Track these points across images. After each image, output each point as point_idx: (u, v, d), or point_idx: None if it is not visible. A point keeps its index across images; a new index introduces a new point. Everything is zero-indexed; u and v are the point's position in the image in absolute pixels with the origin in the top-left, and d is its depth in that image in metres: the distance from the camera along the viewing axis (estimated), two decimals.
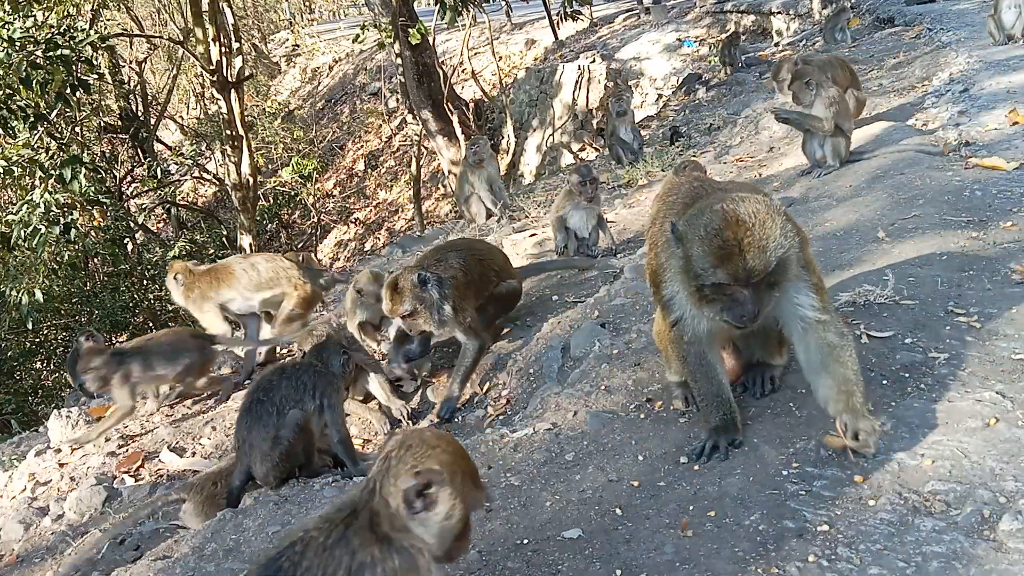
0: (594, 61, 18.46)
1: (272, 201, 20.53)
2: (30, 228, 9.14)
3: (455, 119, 15.37)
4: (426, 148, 18.13)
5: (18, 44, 8.88)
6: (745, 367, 3.36)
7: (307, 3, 41.77)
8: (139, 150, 19.54)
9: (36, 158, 10.20)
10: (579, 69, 18.20)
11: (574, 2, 13.77)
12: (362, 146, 24.93)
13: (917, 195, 5.15)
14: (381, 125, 24.21)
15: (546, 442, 3.40)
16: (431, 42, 15.63)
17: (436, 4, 12.22)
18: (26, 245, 9.65)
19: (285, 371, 4.03)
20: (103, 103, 18.47)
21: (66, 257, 11.12)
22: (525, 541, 2.74)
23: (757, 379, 3.29)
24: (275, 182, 20.47)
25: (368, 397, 5.24)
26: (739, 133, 9.86)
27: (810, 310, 2.81)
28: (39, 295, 10.40)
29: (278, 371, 4.06)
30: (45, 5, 9.94)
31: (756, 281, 2.59)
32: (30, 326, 11.89)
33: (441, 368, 5.46)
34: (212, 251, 17.64)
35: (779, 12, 17.67)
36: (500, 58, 20.67)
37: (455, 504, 2.00)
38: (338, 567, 1.91)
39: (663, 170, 9.02)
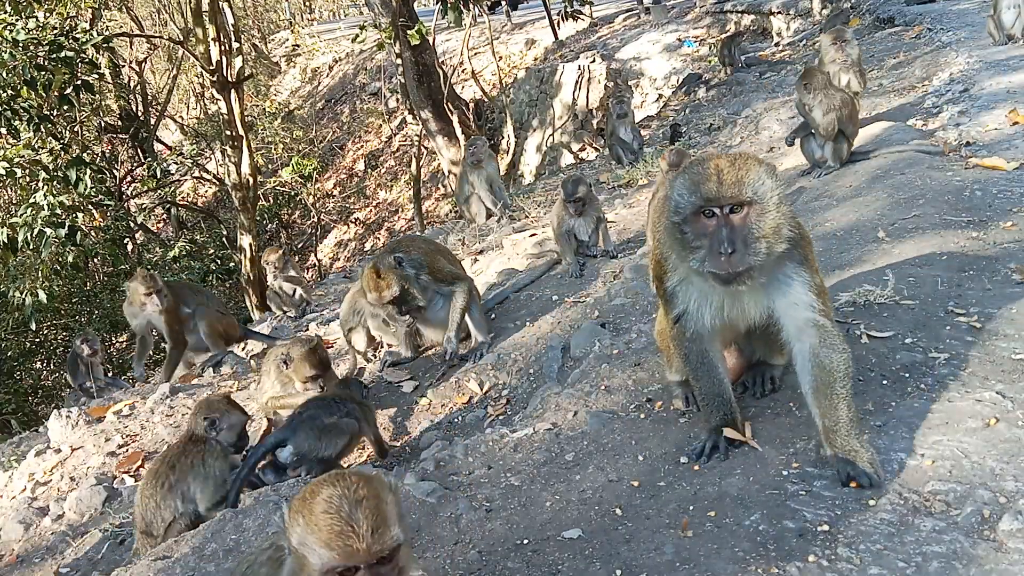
0: (594, 61, 18.47)
1: (272, 201, 20.54)
2: (34, 231, 9.14)
3: (455, 119, 15.37)
4: (426, 148, 18.13)
5: (21, 45, 8.89)
6: (746, 366, 3.37)
7: (307, 3, 41.78)
8: (139, 150, 19.55)
9: (38, 159, 10.21)
10: (579, 69, 18.20)
11: (574, 2, 13.77)
12: (362, 146, 24.94)
13: (917, 195, 5.15)
14: (381, 125, 24.21)
15: (546, 442, 3.40)
16: (431, 42, 15.63)
17: (437, 3, 12.22)
18: (30, 248, 9.65)
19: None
20: (103, 103, 18.47)
21: (70, 259, 11.11)
22: (525, 541, 2.74)
23: (757, 379, 3.30)
24: (275, 182, 20.48)
25: None
26: (739, 133, 9.86)
27: (806, 309, 2.77)
28: (43, 296, 10.40)
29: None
30: (47, 7, 9.94)
31: (735, 218, 2.59)
32: (33, 327, 11.91)
33: (441, 368, 5.46)
34: (212, 251, 17.66)
35: (779, 12, 17.68)
36: (500, 58, 20.68)
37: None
38: None
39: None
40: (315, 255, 20.78)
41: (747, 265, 2.62)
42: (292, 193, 20.85)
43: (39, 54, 8.99)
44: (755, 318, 2.90)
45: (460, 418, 4.83)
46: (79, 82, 9.80)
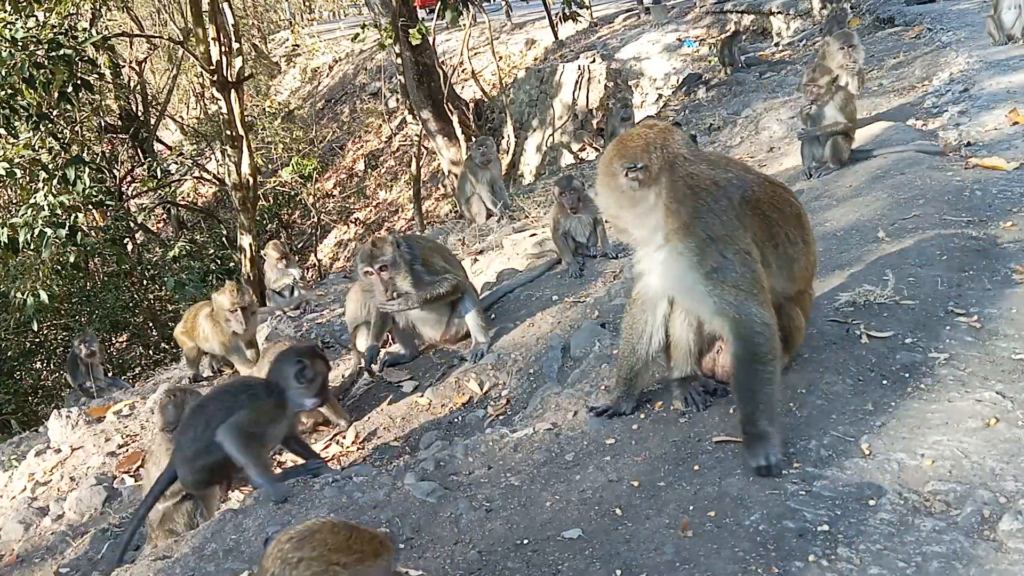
0: (594, 61, 18.47)
1: (272, 201, 20.53)
2: (35, 231, 9.14)
3: (455, 119, 15.37)
4: (426, 148, 18.13)
5: (20, 44, 8.88)
6: None
7: (307, 3, 41.78)
8: (139, 150, 19.54)
9: (38, 159, 10.21)
10: (579, 69, 18.20)
11: (572, 4, 13.78)
12: (362, 146, 24.94)
13: (917, 195, 5.15)
14: (381, 125, 24.22)
15: (546, 442, 3.40)
16: (431, 42, 15.63)
17: (438, 3, 12.23)
18: (31, 248, 9.65)
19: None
20: (103, 103, 18.47)
21: (72, 259, 11.12)
22: (525, 541, 2.74)
23: None
24: (275, 182, 20.47)
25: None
26: (739, 133, 9.86)
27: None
28: (44, 296, 10.41)
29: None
30: (46, 6, 9.94)
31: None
32: (35, 327, 11.91)
33: (439, 367, 5.46)
34: (212, 251, 17.65)
35: (779, 12, 17.68)
36: (500, 58, 20.67)
37: None
38: None
39: None
40: (315, 255, 20.78)
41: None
42: (292, 193, 20.84)
43: (38, 53, 8.98)
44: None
45: (460, 418, 4.83)
46: (78, 81, 9.79)
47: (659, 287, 3.16)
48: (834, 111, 6.51)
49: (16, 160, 9.85)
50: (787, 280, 3.15)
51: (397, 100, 21.98)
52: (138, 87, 21.36)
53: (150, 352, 15.03)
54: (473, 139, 11.39)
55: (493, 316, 5.92)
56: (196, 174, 21.17)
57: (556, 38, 22.04)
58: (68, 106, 10.57)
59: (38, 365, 14.51)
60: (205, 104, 26.11)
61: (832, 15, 13.26)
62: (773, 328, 2.91)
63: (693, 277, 2.93)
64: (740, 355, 2.91)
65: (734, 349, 2.93)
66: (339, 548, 1.88)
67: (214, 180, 20.48)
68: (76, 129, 15.70)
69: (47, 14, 9.96)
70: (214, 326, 6.12)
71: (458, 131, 15.34)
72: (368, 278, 5.16)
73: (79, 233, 9.71)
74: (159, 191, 19.10)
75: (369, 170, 23.68)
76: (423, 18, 17.12)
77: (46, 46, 9.04)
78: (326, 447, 4.88)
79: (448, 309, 5.50)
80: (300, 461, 3.97)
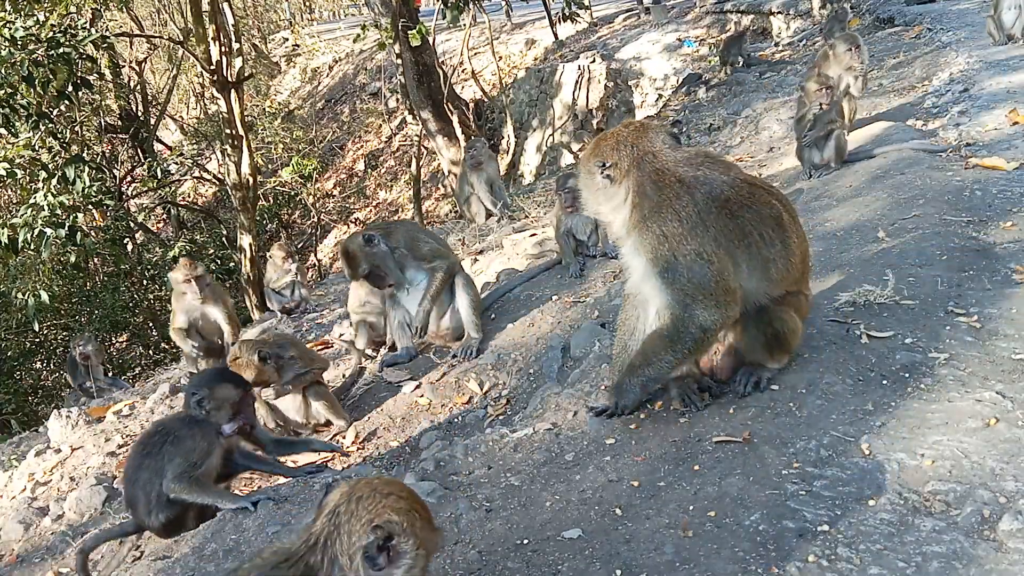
0: (594, 61, 18.46)
1: (272, 201, 20.52)
2: (35, 231, 9.13)
3: (455, 119, 15.37)
4: (426, 148, 18.13)
5: (20, 43, 8.87)
6: (737, 366, 3.36)
7: (307, 3, 41.77)
8: (139, 150, 19.52)
9: (38, 158, 10.20)
10: (579, 69, 18.19)
11: (572, 4, 13.77)
12: (362, 146, 24.93)
13: (917, 195, 5.15)
14: (381, 125, 24.21)
15: (546, 442, 3.40)
16: (431, 42, 15.63)
17: (439, 2, 12.22)
18: (31, 248, 9.64)
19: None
20: (103, 103, 18.45)
21: (72, 259, 11.12)
22: (525, 541, 2.74)
23: (743, 378, 3.30)
24: (275, 182, 20.46)
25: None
26: (739, 133, 9.86)
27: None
28: (44, 296, 10.41)
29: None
30: (46, 5, 9.93)
31: None
32: (36, 327, 11.91)
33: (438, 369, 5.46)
34: (212, 251, 17.65)
35: (779, 12, 17.68)
36: (500, 58, 20.66)
37: (418, 553, 1.91)
38: None
39: None
40: (315, 255, 20.77)
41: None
42: (292, 193, 20.83)
43: (38, 51, 8.97)
44: None
45: (460, 418, 4.83)
46: (78, 80, 9.78)
47: (634, 282, 3.27)
48: (838, 111, 6.53)
49: (16, 160, 9.83)
50: (762, 280, 3.14)
51: (397, 100, 21.98)
52: (138, 87, 21.34)
53: (150, 352, 15.02)
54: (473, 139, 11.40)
55: (493, 316, 5.92)
56: (196, 174, 21.16)
57: (556, 38, 22.03)
58: (68, 103, 10.57)
59: (38, 365, 14.50)
60: (205, 104, 26.09)
61: (832, 15, 13.26)
62: (710, 334, 3.09)
63: (648, 271, 3.08)
64: (664, 332, 3.12)
65: (663, 323, 3.12)
66: (420, 503, 2.04)
67: (214, 180, 20.47)
68: (76, 129, 15.69)
69: (47, 13, 9.95)
70: (176, 302, 6.68)
71: (458, 131, 15.34)
72: (361, 287, 5.18)
73: (79, 233, 9.69)
74: (159, 191, 19.09)
75: (369, 170, 23.67)
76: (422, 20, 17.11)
77: (45, 45, 9.03)
78: None
79: (447, 297, 5.49)
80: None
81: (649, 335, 3.23)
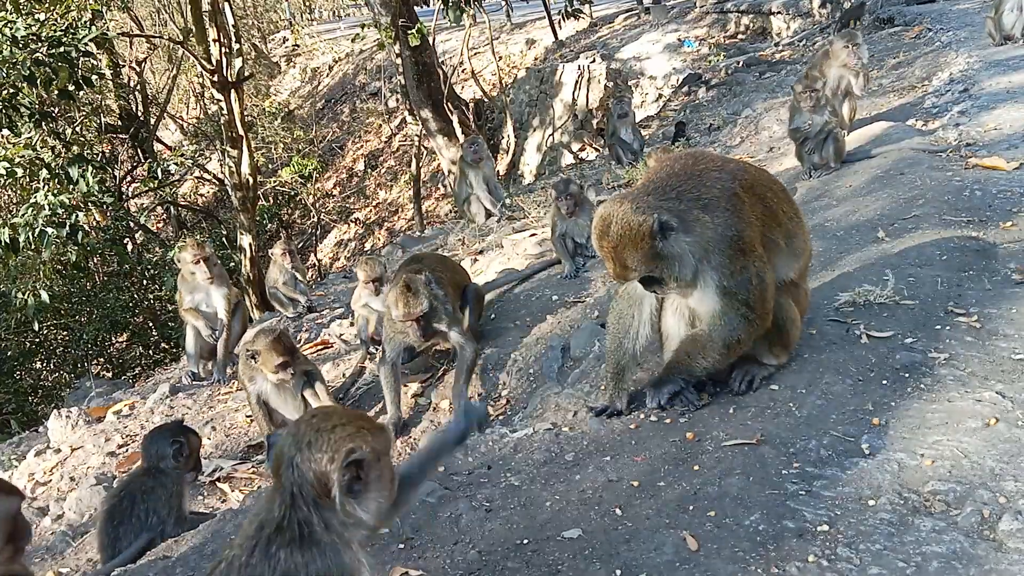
0: (594, 61, 18.44)
1: (272, 201, 20.52)
2: (35, 231, 9.12)
3: (455, 119, 15.37)
4: (426, 148, 18.13)
5: (21, 42, 8.87)
6: (735, 364, 3.36)
7: (307, 3, 41.75)
8: (139, 150, 19.50)
9: (39, 158, 10.19)
10: (579, 69, 18.17)
11: (574, 1, 13.77)
12: (362, 146, 24.93)
13: (917, 195, 5.15)
14: (381, 125, 24.20)
15: (546, 442, 3.40)
16: (431, 42, 15.63)
17: (438, 3, 12.22)
18: (32, 247, 9.64)
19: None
20: (103, 103, 18.45)
21: (72, 259, 11.11)
22: (525, 541, 2.74)
23: (740, 376, 3.31)
24: (275, 182, 20.46)
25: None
26: (739, 133, 9.86)
27: None
28: (44, 296, 10.40)
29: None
30: (47, 6, 9.93)
31: None
32: (36, 327, 11.90)
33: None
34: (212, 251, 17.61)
35: (779, 12, 17.68)
36: (500, 58, 20.66)
37: (386, 473, 2.03)
38: None
39: None
40: (315, 255, 20.76)
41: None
42: (292, 193, 20.83)
43: (39, 51, 8.97)
44: None
45: None
46: (79, 78, 9.77)
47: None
48: (836, 112, 6.54)
49: (16, 160, 9.82)
50: (791, 257, 3.27)
51: (397, 100, 21.98)
52: (138, 87, 21.33)
53: (150, 352, 15.00)
54: None
55: (493, 316, 5.92)
56: (196, 174, 21.14)
57: (556, 38, 22.02)
58: (69, 101, 10.56)
59: (38, 365, 14.49)
60: (205, 104, 26.07)
61: (844, 15, 13.11)
62: (745, 345, 3.18)
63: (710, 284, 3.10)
64: (711, 340, 3.17)
65: (708, 333, 3.15)
66: (362, 417, 2.11)
67: (214, 180, 20.46)
68: (77, 128, 15.68)
69: (48, 13, 9.94)
70: (183, 283, 6.71)
71: (458, 131, 15.34)
72: (402, 323, 5.02)
73: (80, 232, 9.69)
74: (159, 191, 19.07)
75: (369, 170, 23.66)
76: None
77: (47, 44, 9.02)
78: None
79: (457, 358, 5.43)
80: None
81: (691, 339, 3.24)
